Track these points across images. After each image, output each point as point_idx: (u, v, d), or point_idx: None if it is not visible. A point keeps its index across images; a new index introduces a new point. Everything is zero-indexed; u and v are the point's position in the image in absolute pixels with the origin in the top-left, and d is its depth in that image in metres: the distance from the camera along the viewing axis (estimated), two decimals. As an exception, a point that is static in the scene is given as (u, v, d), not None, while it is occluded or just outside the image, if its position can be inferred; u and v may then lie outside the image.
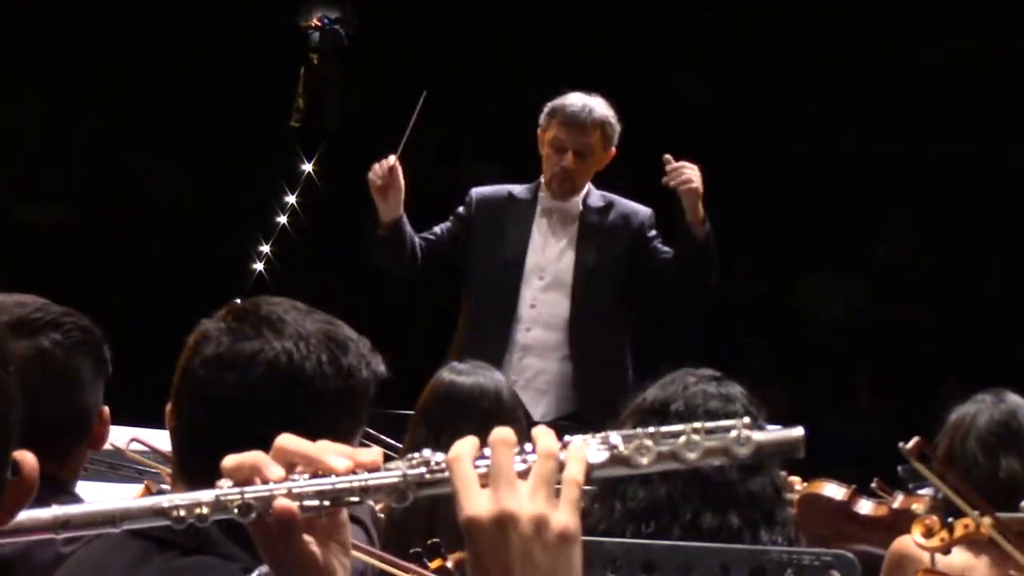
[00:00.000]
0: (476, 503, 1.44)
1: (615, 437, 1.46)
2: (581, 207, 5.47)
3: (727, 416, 2.96)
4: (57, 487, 2.65)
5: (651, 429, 1.45)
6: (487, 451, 1.45)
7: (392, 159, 5.24)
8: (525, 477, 1.45)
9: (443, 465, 1.45)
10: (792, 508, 4.11)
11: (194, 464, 2.04)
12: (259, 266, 11.75)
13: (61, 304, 3.90)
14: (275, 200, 11.96)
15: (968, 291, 11.22)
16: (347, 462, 1.44)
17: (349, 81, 12.57)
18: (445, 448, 3.70)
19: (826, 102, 12.73)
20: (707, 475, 2.90)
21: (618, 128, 5.49)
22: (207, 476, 1.95)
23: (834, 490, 4.08)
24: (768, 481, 2.94)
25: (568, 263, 5.42)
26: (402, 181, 5.26)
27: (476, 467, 1.46)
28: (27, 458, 1.46)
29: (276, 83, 12.58)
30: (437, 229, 5.49)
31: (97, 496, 2.91)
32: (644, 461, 1.44)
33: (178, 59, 12.78)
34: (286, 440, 1.46)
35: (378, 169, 5.26)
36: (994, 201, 11.67)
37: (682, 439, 1.44)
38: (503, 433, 1.46)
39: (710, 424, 1.45)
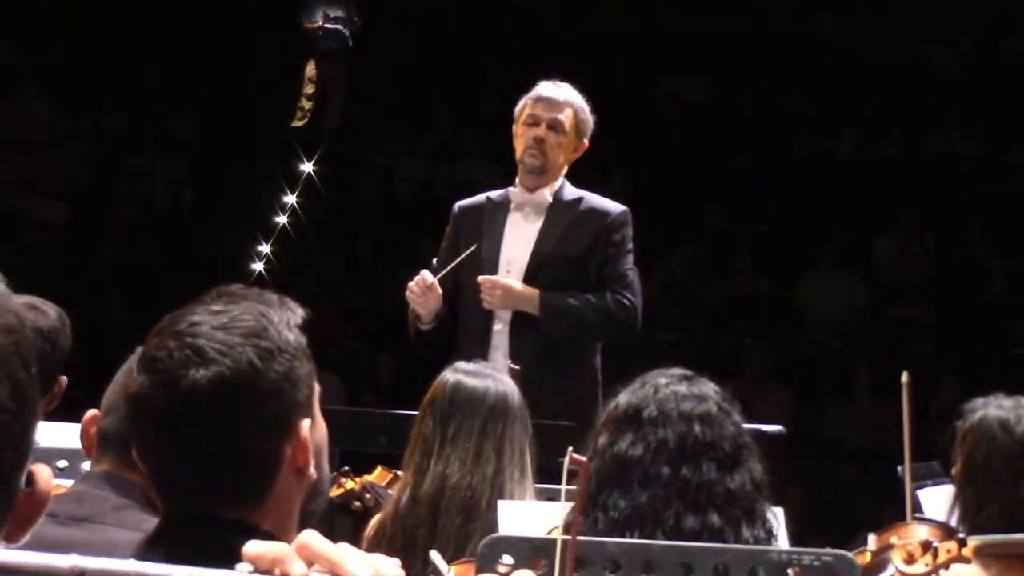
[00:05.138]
0: None
1: None
2: (551, 199, 5.49)
3: (701, 417, 2.96)
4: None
5: None
6: None
7: (430, 278, 5.32)
8: None
9: None
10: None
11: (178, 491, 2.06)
12: (259, 266, 11.76)
13: (59, 303, 3.92)
14: (275, 200, 11.96)
15: (968, 291, 11.22)
16: (369, 571, 1.44)
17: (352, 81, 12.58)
18: (451, 440, 3.72)
19: (826, 102, 12.73)
20: (685, 478, 2.90)
21: (591, 122, 5.53)
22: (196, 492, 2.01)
23: None
24: (748, 478, 2.94)
25: (528, 253, 5.46)
26: (439, 290, 5.34)
27: None
28: (42, 471, 1.46)
29: (277, 83, 12.58)
30: (444, 280, 5.51)
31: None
32: None
33: (179, 59, 12.79)
34: (310, 538, 1.46)
35: (415, 288, 5.34)
36: (994, 201, 11.68)
37: None
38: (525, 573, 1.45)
39: None
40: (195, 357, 1.99)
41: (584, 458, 2.78)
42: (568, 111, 5.50)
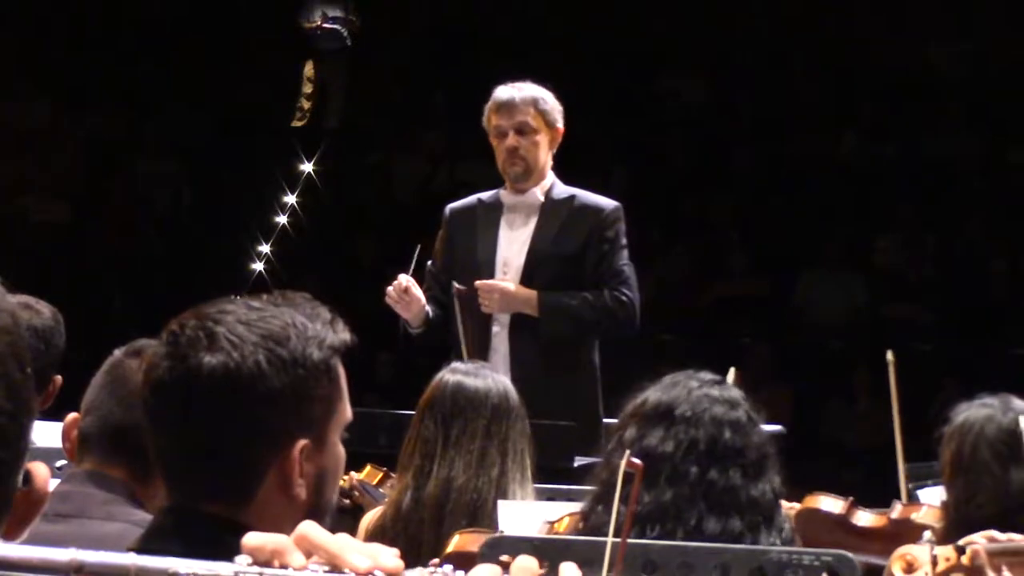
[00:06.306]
0: None
1: None
2: (543, 199, 5.47)
3: (731, 423, 2.97)
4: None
5: None
6: None
7: (404, 280, 5.31)
8: None
9: None
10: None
11: (172, 483, 2.08)
12: (259, 266, 11.75)
13: (56, 304, 3.92)
14: (275, 200, 11.96)
15: (968, 291, 11.22)
16: (368, 562, 1.44)
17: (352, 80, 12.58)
18: (455, 443, 3.71)
19: (826, 102, 12.73)
20: (711, 481, 2.91)
21: (557, 106, 5.50)
22: (186, 486, 2.03)
23: (831, 503, 4.06)
24: (769, 487, 2.95)
25: (524, 254, 5.45)
26: (419, 292, 5.33)
27: None
28: (39, 470, 1.47)
29: (276, 83, 12.58)
30: (441, 283, 5.50)
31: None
32: None
33: (179, 59, 12.78)
34: (309, 529, 1.46)
35: (393, 293, 5.33)
36: (994, 201, 11.68)
37: None
38: (526, 561, 1.45)
39: None
40: (205, 341, 2.01)
41: (639, 462, 2.77)
42: (530, 109, 5.46)
